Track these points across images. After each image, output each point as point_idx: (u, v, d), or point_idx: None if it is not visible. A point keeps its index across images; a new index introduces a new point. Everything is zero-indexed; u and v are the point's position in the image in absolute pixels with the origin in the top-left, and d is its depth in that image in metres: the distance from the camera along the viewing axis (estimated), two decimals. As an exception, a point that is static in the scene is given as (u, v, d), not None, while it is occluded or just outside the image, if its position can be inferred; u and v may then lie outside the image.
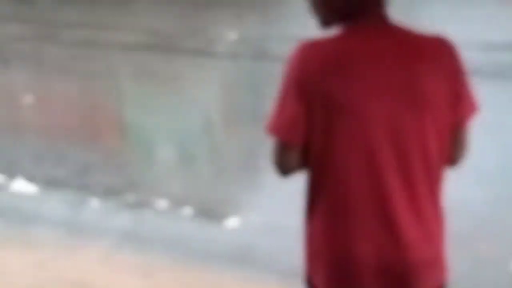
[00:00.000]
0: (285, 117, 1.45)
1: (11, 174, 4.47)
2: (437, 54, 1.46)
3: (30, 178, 4.40)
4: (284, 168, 1.51)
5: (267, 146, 4.78)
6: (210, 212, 3.92)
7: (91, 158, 4.80)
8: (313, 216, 1.54)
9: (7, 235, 3.74)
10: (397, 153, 1.45)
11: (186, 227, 3.66)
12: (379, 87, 1.41)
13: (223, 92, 6.44)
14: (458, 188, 3.37)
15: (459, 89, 1.48)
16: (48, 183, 4.36)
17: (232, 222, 3.75)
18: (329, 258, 1.52)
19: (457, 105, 1.49)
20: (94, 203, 4.06)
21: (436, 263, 1.52)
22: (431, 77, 1.44)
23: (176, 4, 9.18)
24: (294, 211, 3.39)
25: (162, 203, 3.64)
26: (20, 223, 3.86)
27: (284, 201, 3.93)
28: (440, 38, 1.48)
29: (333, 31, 1.49)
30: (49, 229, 3.76)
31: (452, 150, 1.55)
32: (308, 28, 7.07)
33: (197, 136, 5.27)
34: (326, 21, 1.51)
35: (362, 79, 1.40)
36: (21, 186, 4.33)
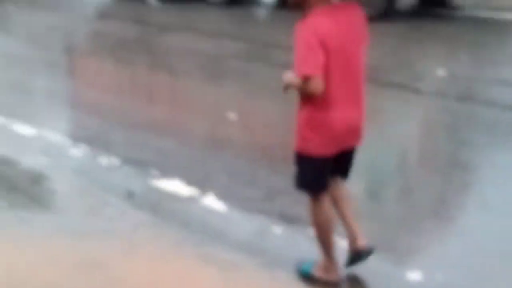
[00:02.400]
0: (317, 61, 2.98)
1: (204, 188, 4.67)
2: (360, 17, 3.19)
3: (221, 195, 4.57)
4: (318, 91, 3.02)
5: (460, 195, 4.53)
6: (392, 259, 3.78)
7: (284, 181, 4.87)
8: (306, 110, 3.16)
9: (190, 248, 3.90)
10: (355, 66, 3.14)
11: (365, 270, 3.55)
12: (348, 38, 3.07)
13: (422, 131, 6.23)
14: None
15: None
16: (238, 202, 4.49)
17: (415, 275, 3.58)
18: (323, 129, 3.15)
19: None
20: (278, 230, 4.10)
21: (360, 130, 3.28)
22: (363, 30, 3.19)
23: (387, 37, 9.10)
24: (484, 273, 3.16)
25: (343, 242, 3.58)
26: (204, 238, 4.02)
27: (474, 261, 3.68)
28: (358, 7, 3.16)
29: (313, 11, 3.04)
30: (231, 248, 3.87)
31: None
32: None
33: (388, 174, 5.14)
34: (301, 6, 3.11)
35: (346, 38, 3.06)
36: (212, 201, 4.51)
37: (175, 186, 4.74)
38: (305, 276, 3.51)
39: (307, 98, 3.08)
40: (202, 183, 4.76)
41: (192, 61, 9.07)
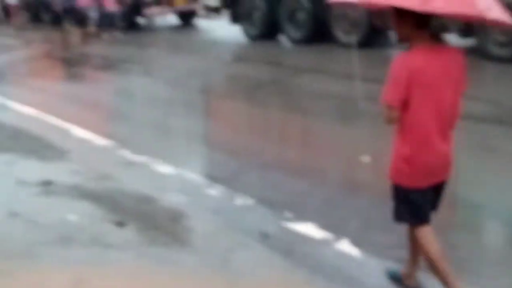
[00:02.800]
0: (398, 94, 3.21)
1: (338, 232, 4.64)
2: (458, 58, 3.33)
3: (355, 240, 4.52)
4: (392, 122, 3.30)
5: None
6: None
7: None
8: (403, 143, 3.32)
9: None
10: (447, 108, 3.24)
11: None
12: (442, 79, 3.20)
13: None
14: None
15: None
16: (372, 248, 4.42)
17: None
18: (414, 164, 3.30)
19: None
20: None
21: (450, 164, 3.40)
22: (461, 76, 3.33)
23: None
24: None
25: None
26: (337, 283, 3.98)
27: None
28: (461, 52, 3.33)
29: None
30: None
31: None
32: None
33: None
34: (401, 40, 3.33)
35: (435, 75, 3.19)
36: (345, 246, 4.47)
37: (309, 229, 4.75)
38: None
39: (406, 126, 3.34)
40: (336, 227, 4.73)
41: (325, 102, 9.13)
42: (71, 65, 13.89)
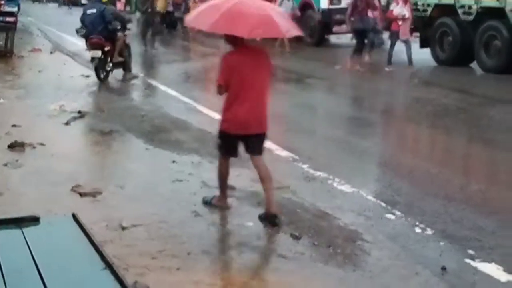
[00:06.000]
0: (224, 76, 5.16)
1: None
2: (264, 57, 5.39)
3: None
4: (220, 91, 5.21)
5: None
6: None
7: None
8: (225, 103, 5.23)
9: None
10: (255, 85, 5.17)
11: None
12: (249, 67, 5.13)
13: None
14: None
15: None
16: None
17: None
18: (230, 117, 5.21)
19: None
20: None
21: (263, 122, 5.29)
22: (264, 64, 5.32)
23: None
24: None
25: None
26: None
27: None
28: (264, 51, 5.57)
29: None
30: None
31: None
32: None
33: None
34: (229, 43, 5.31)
35: (245, 66, 5.13)
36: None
37: (493, 270, 4.46)
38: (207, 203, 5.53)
39: (229, 95, 5.25)
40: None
41: (516, 136, 8.59)
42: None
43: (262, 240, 4.95)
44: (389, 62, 14.24)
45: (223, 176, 5.45)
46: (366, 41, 14.57)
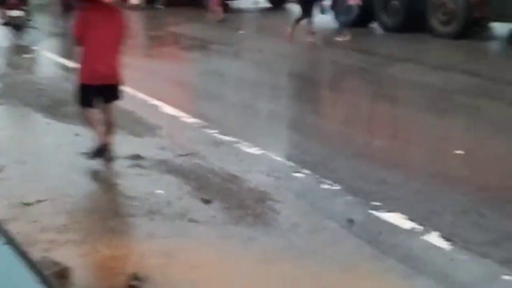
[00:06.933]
0: (78, 29, 5.50)
1: (427, 225, 4.50)
2: (117, 13, 5.58)
3: (445, 234, 4.36)
4: (76, 42, 5.56)
5: None
6: None
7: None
8: (81, 58, 5.54)
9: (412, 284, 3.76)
10: (107, 39, 5.48)
11: None
12: (102, 23, 5.45)
13: None
14: None
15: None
16: (463, 243, 4.26)
17: None
18: (89, 70, 5.50)
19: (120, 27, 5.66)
20: (505, 277, 3.81)
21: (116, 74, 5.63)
22: (116, 20, 5.63)
23: None
24: None
25: None
26: (427, 277, 3.86)
27: None
28: (117, 8, 5.60)
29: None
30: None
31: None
32: None
33: None
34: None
35: (98, 21, 5.45)
36: (435, 239, 4.32)
37: (397, 219, 4.62)
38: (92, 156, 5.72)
39: (84, 48, 5.55)
40: (425, 220, 4.59)
41: (417, 93, 8.89)
42: (163, 44, 14.14)
43: (173, 207, 4.91)
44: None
45: (93, 123, 5.74)
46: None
